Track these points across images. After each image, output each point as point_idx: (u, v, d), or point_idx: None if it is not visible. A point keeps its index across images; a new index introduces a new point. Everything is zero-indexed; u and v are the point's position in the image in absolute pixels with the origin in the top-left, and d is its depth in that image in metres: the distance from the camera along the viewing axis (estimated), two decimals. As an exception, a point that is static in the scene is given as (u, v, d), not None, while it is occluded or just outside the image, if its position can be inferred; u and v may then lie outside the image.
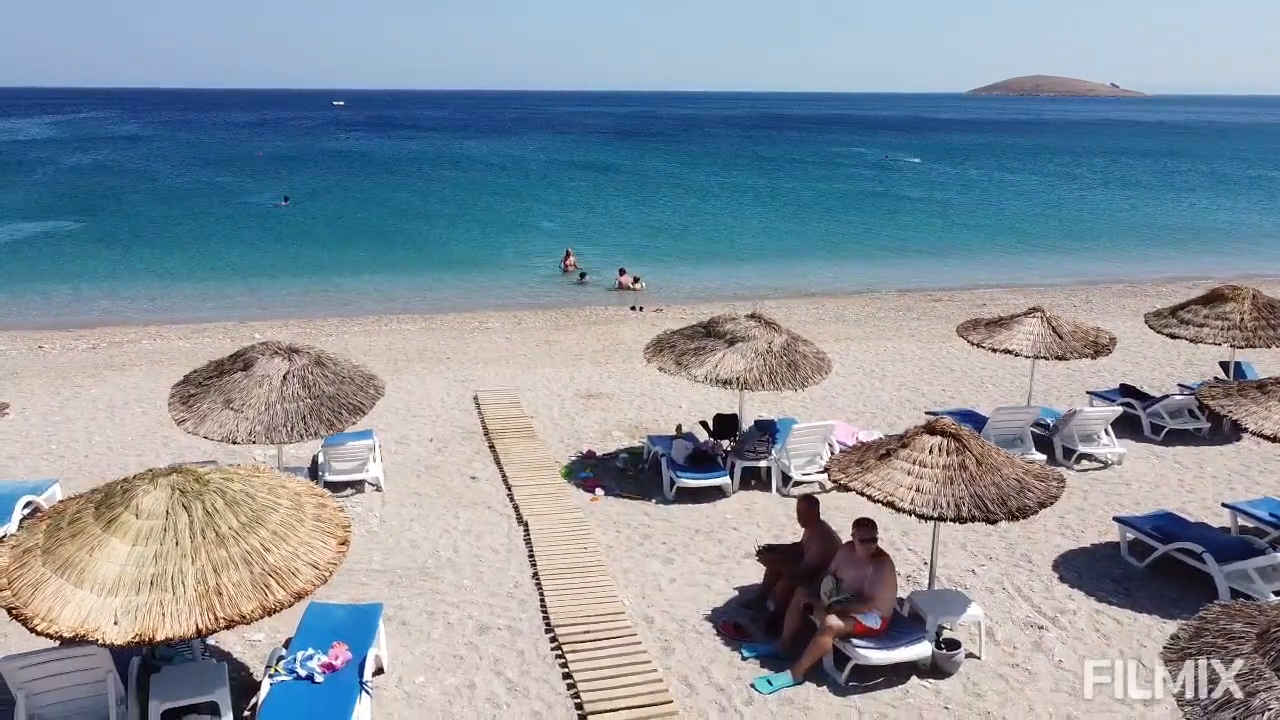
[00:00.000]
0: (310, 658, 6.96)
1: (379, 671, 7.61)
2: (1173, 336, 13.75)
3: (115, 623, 5.61)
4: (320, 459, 11.77)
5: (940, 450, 7.66)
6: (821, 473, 11.58)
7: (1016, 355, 12.58)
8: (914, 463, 7.63)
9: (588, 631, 8.16)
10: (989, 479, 7.50)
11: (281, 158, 73.88)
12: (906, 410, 14.96)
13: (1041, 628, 8.45)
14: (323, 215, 41.77)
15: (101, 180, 55.06)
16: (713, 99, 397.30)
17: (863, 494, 7.61)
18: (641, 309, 23.81)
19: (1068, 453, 12.61)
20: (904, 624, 7.90)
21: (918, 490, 7.44)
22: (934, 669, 7.72)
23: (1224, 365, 14.89)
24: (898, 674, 7.65)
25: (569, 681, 7.54)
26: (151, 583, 5.82)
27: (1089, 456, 12.60)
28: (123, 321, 22.56)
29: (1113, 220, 44.15)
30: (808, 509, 8.56)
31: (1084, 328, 12.95)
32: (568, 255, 29.52)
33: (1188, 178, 66.49)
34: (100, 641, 5.53)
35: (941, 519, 7.29)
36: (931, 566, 8.44)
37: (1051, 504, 7.57)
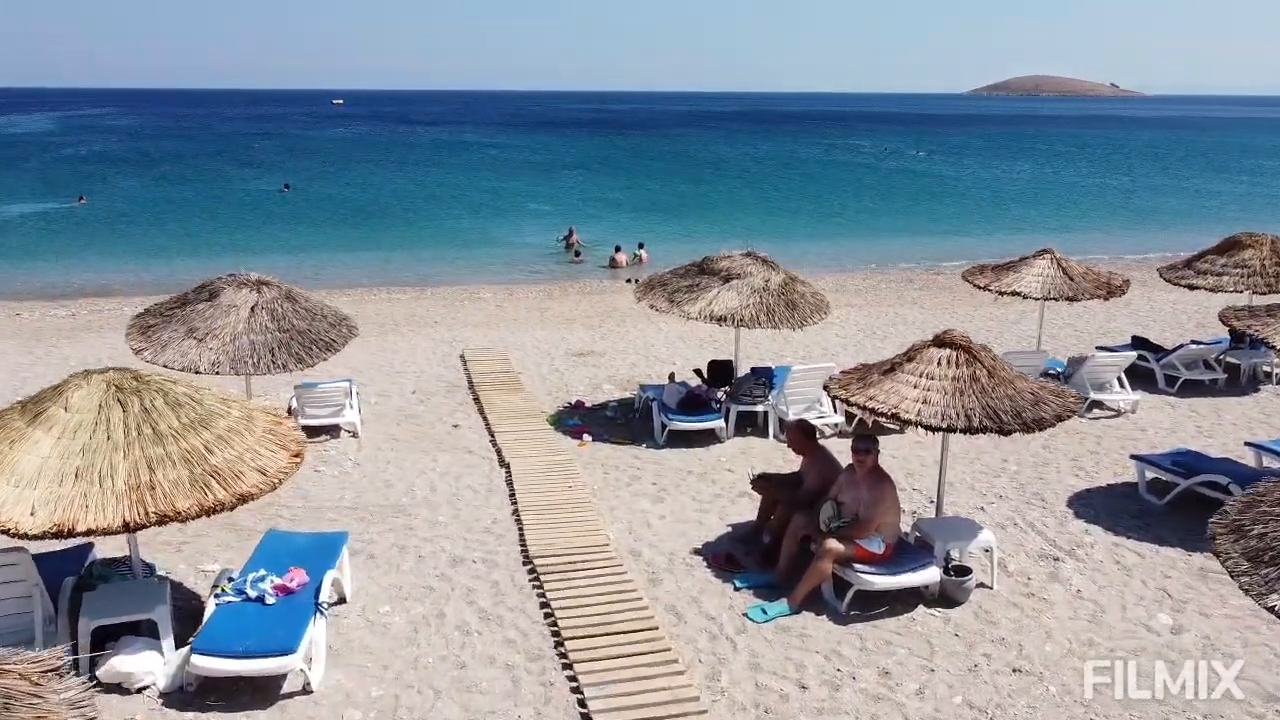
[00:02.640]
0: (262, 579, 6.37)
1: (341, 601, 7.03)
2: (1190, 288, 13.19)
3: (32, 513, 5.05)
4: (294, 404, 11.21)
5: (949, 363, 7.08)
6: (821, 418, 11.00)
7: (1025, 297, 12.00)
8: (921, 375, 7.05)
9: (570, 562, 7.59)
10: (1002, 391, 6.93)
11: (281, 150, 73.26)
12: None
13: (1057, 559, 7.86)
14: (320, 199, 41.18)
15: (98, 168, 54.44)
16: (710, 98, 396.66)
17: (865, 408, 7.04)
18: (637, 281, 23.22)
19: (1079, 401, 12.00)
20: (911, 550, 7.31)
21: (925, 402, 6.86)
22: (943, 597, 7.12)
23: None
24: (903, 603, 7.06)
25: (546, 610, 6.95)
26: (76, 475, 5.27)
27: (1101, 405, 12.01)
28: (107, 292, 21.95)
29: (1112, 204, 43.61)
30: (801, 436, 7.98)
31: (1095, 270, 12.37)
32: (570, 234, 29.00)
33: (1183, 163, 66.02)
34: (13, 533, 4.96)
35: (951, 430, 6.71)
36: (939, 491, 7.84)
37: (1068, 418, 7.02)
